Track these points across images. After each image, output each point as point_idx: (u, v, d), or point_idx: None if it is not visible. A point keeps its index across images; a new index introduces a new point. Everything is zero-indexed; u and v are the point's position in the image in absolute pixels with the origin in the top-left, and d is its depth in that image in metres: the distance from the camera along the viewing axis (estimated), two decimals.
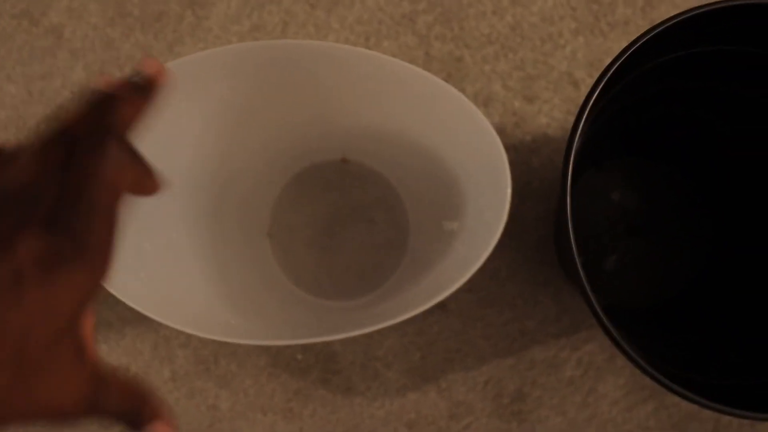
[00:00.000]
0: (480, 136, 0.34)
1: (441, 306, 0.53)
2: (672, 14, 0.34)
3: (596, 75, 0.52)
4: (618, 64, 0.33)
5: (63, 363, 0.20)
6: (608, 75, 0.33)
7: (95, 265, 0.19)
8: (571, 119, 0.54)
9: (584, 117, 0.33)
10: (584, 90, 0.54)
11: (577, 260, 0.35)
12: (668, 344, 0.49)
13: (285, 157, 0.51)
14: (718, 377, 0.43)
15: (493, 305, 0.53)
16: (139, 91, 0.22)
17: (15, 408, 0.19)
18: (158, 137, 0.34)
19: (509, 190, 0.31)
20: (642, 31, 0.34)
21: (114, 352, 0.53)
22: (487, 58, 0.54)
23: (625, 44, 0.34)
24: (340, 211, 0.53)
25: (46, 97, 0.56)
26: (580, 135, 0.36)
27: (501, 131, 0.52)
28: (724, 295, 0.52)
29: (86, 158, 0.20)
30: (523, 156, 0.54)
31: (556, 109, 0.54)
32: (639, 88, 0.42)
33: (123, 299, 0.36)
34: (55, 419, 0.20)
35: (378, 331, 0.53)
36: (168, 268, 0.42)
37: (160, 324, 0.36)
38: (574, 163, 0.34)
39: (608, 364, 0.53)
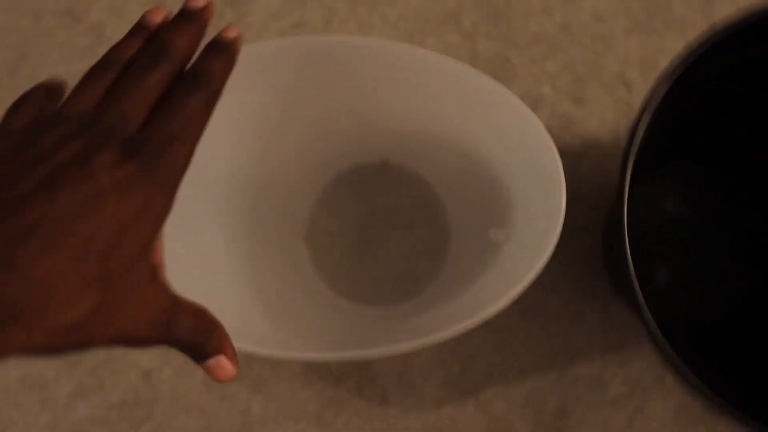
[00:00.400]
0: (533, 140, 0.32)
1: None
2: (732, 11, 0.32)
3: (650, 76, 0.50)
4: (690, 61, 0.30)
5: (141, 286, 0.20)
6: (681, 70, 0.30)
7: (167, 191, 0.20)
8: (624, 122, 0.51)
9: (644, 120, 0.31)
10: (637, 92, 0.51)
11: (632, 272, 0.33)
12: (723, 365, 0.46)
13: (323, 159, 0.50)
14: None
15: (536, 318, 0.50)
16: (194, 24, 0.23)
17: (100, 329, 0.19)
18: None
19: (564, 201, 0.28)
20: (701, 29, 0.32)
21: (145, 354, 0.52)
22: (535, 57, 0.52)
23: (681, 44, 0.32)
24: (379, 215, 0.51)
25: None
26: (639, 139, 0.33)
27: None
28: None
29: (179, 95, 0.21)
30: (571, 161, 0.51)
31: (608, 112, 0.51)
32: (699, 91, 0.39)
33: None
34: (132, 342, 0.20)
35: None
36: (201, 271, 0.41)
37: None
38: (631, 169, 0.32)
39: (657, 384, 0.50)
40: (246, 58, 0.36)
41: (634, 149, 0.31)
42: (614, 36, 0.51)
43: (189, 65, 0.23)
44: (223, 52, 0.23)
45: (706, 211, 0.51)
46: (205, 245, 0.41)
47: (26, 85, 0.56)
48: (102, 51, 0.56)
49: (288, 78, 0.39)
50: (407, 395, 0.51)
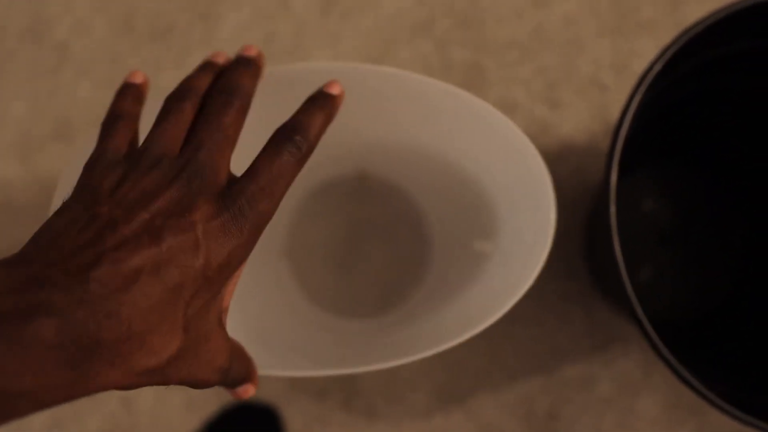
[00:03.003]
0: (514, 151, 0.32)
1: None
2: (699, 13, 0.32)
3: (623, 78, 0.50)
4: (666, 58, 0.30)
5: (212, 332, 0.21)
6: (651, 75, 0.31)
7: (250, 242, 0.21)
8: (598, 126, 0.52)
9: (625, 125, 0.31)
10: (611, 94, 0.51)
11: (623, 270, 0.33)
12: (707, 359, 0.47)
13: (300, 171, 0.49)
14: (762, 394, 0.41)
15: (521, 322, 0.50)
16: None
17: (176, 372, 0.20)
18: None
19: (554, 214, 0.28)
20: (670, 31, 0.32)
21: None
22: (508, 63, 0.52)
23: (652, 45, 0.32)
24: (359, 227, 0.51)
25: (51, 114, 0.54)
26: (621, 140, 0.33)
27: None
28: (766, 309, 0.49)
29: (274, 147, 0.22)
30: (548, 164, 0.51)
31: (582, 115, 0.51)
32: (677, 89, 0.40)
33: None
34: (196, 385, 0.21)
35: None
36: None
37: None
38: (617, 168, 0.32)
39: (644, 381, 0.50)
40: None
41: (618, 152, 0.31)
42: (586, 39, 0.52)
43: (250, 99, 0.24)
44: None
45: (683, 209, 0.51)
46: None
47: None
48: (67, 70, 0.54)
49: (262, 97, 0.39)
50: (395, 407, 0.50)
